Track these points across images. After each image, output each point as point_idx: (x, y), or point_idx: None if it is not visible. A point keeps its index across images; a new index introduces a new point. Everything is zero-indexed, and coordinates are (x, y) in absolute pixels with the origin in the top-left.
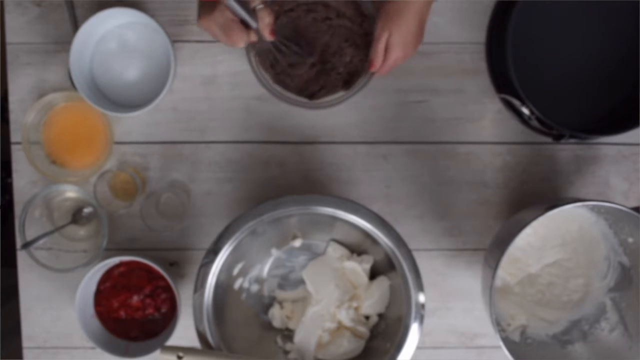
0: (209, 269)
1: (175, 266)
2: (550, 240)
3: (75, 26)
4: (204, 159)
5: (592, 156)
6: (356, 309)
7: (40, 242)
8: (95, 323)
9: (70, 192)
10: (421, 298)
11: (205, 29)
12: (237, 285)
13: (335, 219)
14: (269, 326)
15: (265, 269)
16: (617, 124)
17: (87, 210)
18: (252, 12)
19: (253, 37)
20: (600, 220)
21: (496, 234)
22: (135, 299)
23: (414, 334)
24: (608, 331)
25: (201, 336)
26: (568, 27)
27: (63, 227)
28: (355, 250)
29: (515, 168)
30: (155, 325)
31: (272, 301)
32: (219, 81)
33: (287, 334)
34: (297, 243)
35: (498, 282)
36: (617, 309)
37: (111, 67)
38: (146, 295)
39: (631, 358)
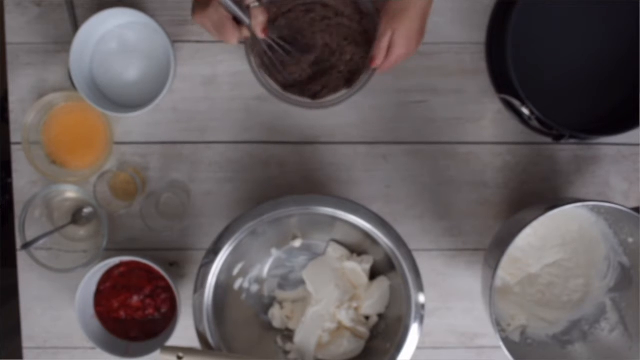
0: (209, 269)
1: (175, 266)
2: (550, 240)
3: (75, 26)
4: (204, 159)
5: (592, 156)
6: (356, 309)
7: (40, 242)
8: (95, 323)
9: (70, 192)
10: (421, 298)
11: (199, 24)
12: (237, 285)
13: (335, 219)
14: (269, 326)
15: (265, 269)
16: (617, 124)
17: (87, 210)
18: (246, 10)
19: (246, 33)
20: (600, 221)
21: (496, 234)
22: (135, 299)
23: (414, 334)
24: (608, 331)
25: (201, 336)
26: (568, 27)
27: (63, 227)
28: (355, 251)
29: (515, 168)
30: (155, 326)
31: (272, 301)
32: (219, 81)
33: (287, 334)
34: (297, 243)
35: (498, 282)
36: (617, 309)
37: (111, 67)
38: (146, 295)
39: (631, 358)
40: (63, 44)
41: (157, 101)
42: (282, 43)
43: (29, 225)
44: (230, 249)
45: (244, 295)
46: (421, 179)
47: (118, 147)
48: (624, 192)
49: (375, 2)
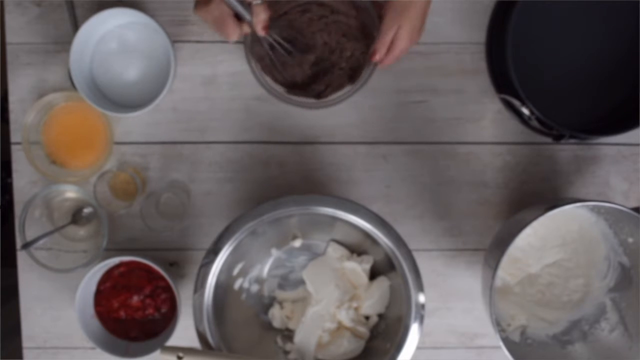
0: (209, 269)
1: (175, 266)
2: (550, 240)
3: (75, 26)
4: (204, 159)
5: (592, 156)
6: (356, 309)
7: (40, 242)
8: (95, 323)
9: (70, 192)
10: (421, 298)
11: (201, 19)
12: (237, 285)
13: (335, 219)
14: (269, 326)
15: (265, 269)
16: (617, 124)
17: (87, 210)
18: (248, 7)
19: (246, 30)
20: (600, 221)
21: (496, 234)
22: (135, 299)
23: (414, 334)
24: (608, 331)
25: (201, 336)
26: (568, 27)
27: (63, 227)
28: (355, 251)
29: (515, 168)
30: (155, 326)
31: (272, 301)
32: (219, 81)
33: (287, 334)
34: (297, 243)
35: (498, 282)
36: (617, 309)
37: (111, 67)
38: (146, 295)
39: (631, 358)
40: (63, 44)
41: (157, 101)
42: (283, 42)
43: (29, 225)
44: (230, 249)
45: (244, 295)
46: (421, 179)
47: (118, 147)
48: (624, 192)
49: (374, 2)
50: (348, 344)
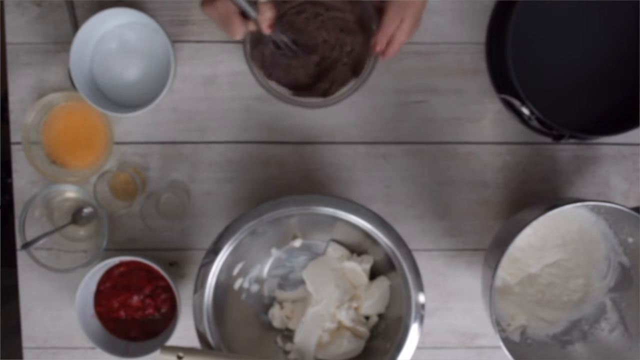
0: (209, 269)
1: (175, 266)
2: (550, 240)
3: (75, 26)
4: (204, 159)
5: (592, 156)
6: (356, 309)
7: (40, 242)
8: (95, 323)
9: (70, 192)
10: (421, 298)
11: (207, 16)
12: (237, 285)
13: (335, 219)
14: (269, 326)
15: (265, 269)
16: (617, 124)
17: (87, 210)
18: (254, 5)
19: (251, 27)
20: (600, 221)
21: (496, 234)
22: (135, 299)
23: (414, 334)
24: (608, 331)
25: (201, 336)
26: (568, 27)
27: (63, 227)
28: (355, 250)
29: (515, 168)
30: (155, 325)
31: (272, 301)
32: (219, 81)
33: (287, 334)
34: (297, 243)
35: (498, 282)
36: (617, 309)
37: (111, 67)
38: (146, 295)
39: (631, 358)
40: (63, 44)
41: (157, 101)
42: (288, 42)
43: (29, 225)
44: (230, 249)
45: (244, 295)
46: (421, 179)
47: (118, 147)
48: (624, 192)
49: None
50: (348, 344)
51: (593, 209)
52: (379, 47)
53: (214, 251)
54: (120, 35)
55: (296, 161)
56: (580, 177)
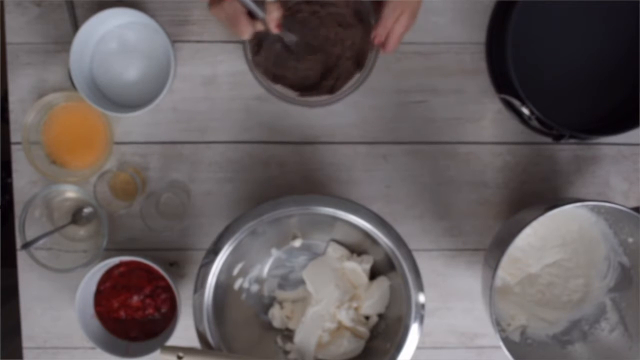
0: (209, 269)
1: (175, 266)
2: (550, 240)
3: (75, 26)
4: (204, 159)
5: (592, 156)
6: (356, 309)
7: (40, 242)
8: (95, 323)
9: (70, 192)
10: (421, 298)
11: (214, 16)
12: (237, 285)
13: (335, 219)
14: (269, 326)
15: (265, 269)
16: (617, 124)
17: (87, 210)
18: (261, 4)
19: (259, 27)
20: (600, 221)
21: (496, 234)
22: (135, 299)
23: (414, 334)
24: (608, 331)
25: (201, 336)
26: (568, 27)
27: (63, 227)
28: (355, 250)
29: (515, 168)
30: (155, 325)
31: (272, 301)
32: (219, 81)
33: (287, 334)
34: (297, 243)
35: (498, 282)
36: (617, 309)
37: (111, 67)
38: (146, 295)
39: (631, 358)
40: (63, 44)
41: (157, 101)
42: (298, 41)
43: (29, 225)
44: (230, 249)
45: (244, 295)
46: (421, 179)
47: (118, 147)
48: (624, 192)
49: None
50: (348, 344)
51: (593, 209)
52: (378, 40)
53: (214, 251)
54: (120, 35)
55: (296, 161)
56: (580, 177)
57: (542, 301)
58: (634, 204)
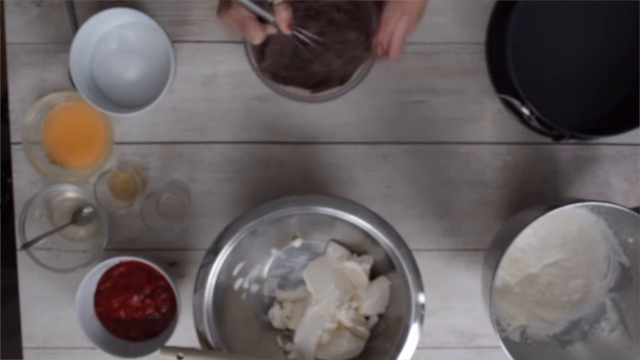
0: (209, 269)
1: (175, 266)
2: (550, 240)
3: (75, 26)
4: (204, 159)
5: (592, 156)
6: (356, 309)
7: (40, 242)
8: (95, 323)
9: (70, 192)
10: (421, 298)
11: (225, 24)
12: (237, 285)
13: (335, 219)
14: (269, 326)
15: (265, 269)
16: (617, 124)
17: (87, 210)
18: (269, 7)
19: (270, 30)
20: (600, 221)
21: (496, 234)
22: (135, 299)
23: (414, 334)
24: (608, 331)
25: (201, 336)
26: (568, 27)
27: (63, 227)
28: (355, 251)
29: (515, 168)
30: (155, 326)
31: (272, 301)
32: (219, 81)
33: (287, 334)
34: (297, 243)
35: (498, 282)
36: (617, 309)
37: (111, 67)
38: (146, 295)
39: (631, 358)
40: (63, 44)
41: (157, 101)
42: (312, 35)
43: (29, 225)
44: (230, 249)
45: (244, 295)
46: (421, 179)
47: (118, 147)
48: (624, 192)
49: None
50: (348, 344)
51: (593, 209)
52: (381, 48)
53: (214, 251)
54: (120, 35)
55: (296, 161)
56: (580, 177)
57: (542, 301)
58: (634, 204)
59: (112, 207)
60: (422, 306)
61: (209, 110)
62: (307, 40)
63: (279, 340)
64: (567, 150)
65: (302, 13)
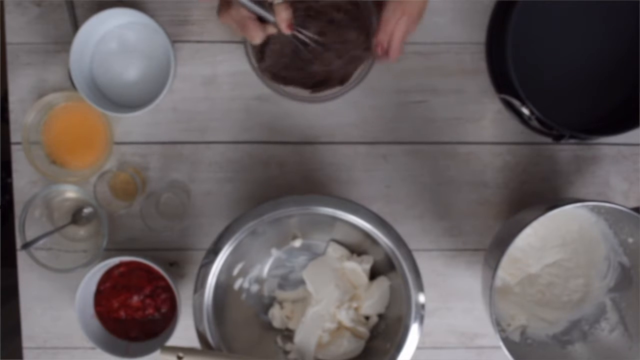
0: (209, 269)
1: (175, 266)
2: (550, 240)
3: (75, 26)
4: (204, 159)
5: (592, 156)
6: (356, 309)
7: (40, 242)
8: (95, 323)
9: (70, 192)
10: (421, 298)
11: (225, 24)
12: (237, 285)
13: (335, 219)
14: (269, 326)
15: (265, 269)
16: (617, 124)
17: (87, 210)
18: (269, 7)
19: (271, 30)
20: (600, 221)
21: (496, 234)
22: (135, 299)
23: (414, 334)
24: (608, 331)
25: (201, 336)
26: (568, 27)
27: (63, 227)
28: (355, 251)
29: (515, 168)
30: (155, 326)
31: (272, 301)
32: (219, 81)
33: (287, 334)
34: (297, 243)
35: (498, 282)
36: (617, 309)
37: (111, 67)
38: (146, 295)
39: (631, 358)
40: (63, 44)
41: (157, 101)
42: (312, 35)
43: (29, 225)
44: (230, 249)
45: (244, 295)
46: (421, 179)
47: (118, 147)
48: (624, 192)
49: None
50: (348, 344)
51: (593, 209)
52: (381, 48)
53: (214, 251)
54: (120, 35)
55: (296, 161)
56: (580, 177)
57: (542, 301)
58: (634, 204)
59: (112, 207)
60: (422, 306)
61: (209, 110)
62: (307, 40)
63: (279, 340)
64: (567, 150)
65: (302, 13)
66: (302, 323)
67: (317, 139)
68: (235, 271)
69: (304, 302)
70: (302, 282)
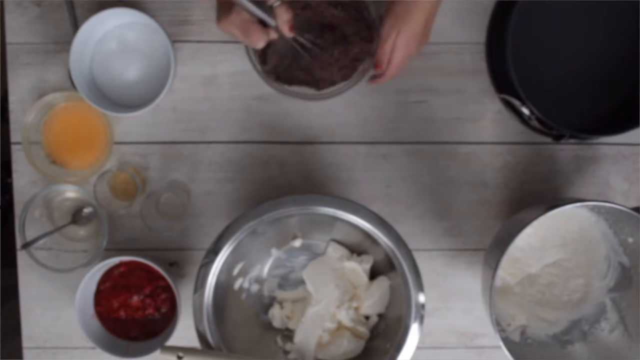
0: (209, 269)
1: (175, 266)
2: (551, 240)
3: (75, 26)
4: (204, 159)
5: (592, 156)
6: (356, 309)
7: (40, 242)
8: (95, 323)
9: (70, 192)
10: (421, 298)
11: (225, 31)
12: (237, 285)
13: (335, 219)
14: (269, 326)
15: (265, 269)
16: (617, 124)
17: (87, 210)
18: (270, 10)
19: (273, 35)
20: (600, 221)
21: (496, 234)
22: (135, 299)
23: (414, 334)
24: (608, 331)
25: (201, 336)
26: (568, 27)
27: (63, 227)
28: (355, 250)
29: (515, 168)
30: (155, 325)
31: (272, 301)
32: (219, 81)
33: (287, 334)
34: (297, 243)
35: (498, 282)
36: (617, 309)
37: (111, 67)
38: (146, 295)
39: (631, 358)
40: (63, 44)
41: (157, 101)
42: (313, 39)
43: (29, 225)
44: (230, 249)
45: (244, 295)
46: (421, 179)
47: (118, 147)
48: (624, 192)
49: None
50: (348, 344)
51: (593, 209)
52: (382, 66)
53: (214, 251)
54: (120, 35)
55: (296, 161)
56: (580, 177)
57: (542, 301)
58: (634, 204)
59: (112, 207)
60: (422, 306)
61: (209, 110)
62: (306, 43)
63: (279, 340)
64: (567, 150)
65: (301, 14)
66: (302, 323)
67: (317, 139)
68: (235, 271)
69: (304, 302)
70: (302, 282)
